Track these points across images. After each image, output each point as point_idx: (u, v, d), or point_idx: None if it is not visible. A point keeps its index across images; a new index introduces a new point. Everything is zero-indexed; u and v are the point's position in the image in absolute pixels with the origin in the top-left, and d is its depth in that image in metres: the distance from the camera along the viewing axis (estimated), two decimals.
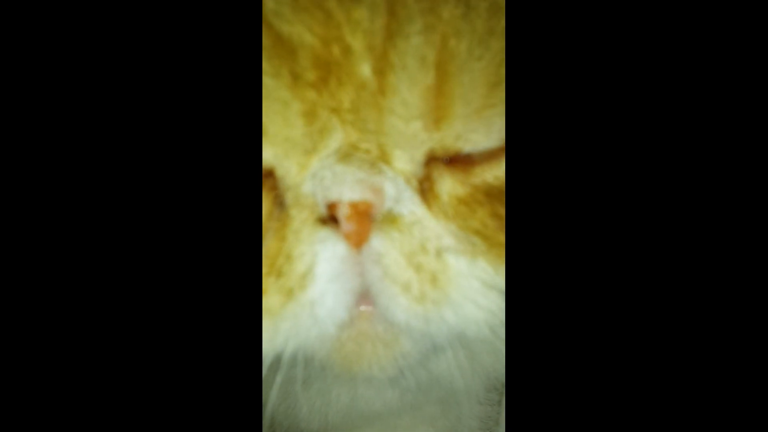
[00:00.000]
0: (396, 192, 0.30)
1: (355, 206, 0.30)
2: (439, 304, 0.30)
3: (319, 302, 0.30)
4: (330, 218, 0.30)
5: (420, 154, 0.31)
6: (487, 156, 0.31)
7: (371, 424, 0.47)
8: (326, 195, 0.30)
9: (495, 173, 0.32)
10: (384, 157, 0.31)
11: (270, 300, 0.30)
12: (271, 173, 0.31)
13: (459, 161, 0.32)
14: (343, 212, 0.30)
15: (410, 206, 0.31)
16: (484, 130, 0.31)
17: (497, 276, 0.31)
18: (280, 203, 0.31)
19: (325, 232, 0.30)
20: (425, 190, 0.31)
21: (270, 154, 0.30)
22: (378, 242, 0.30)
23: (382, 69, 0.29)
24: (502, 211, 0.31)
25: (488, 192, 0.31)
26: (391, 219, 0.30)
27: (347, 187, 0.30)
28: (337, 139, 0.30)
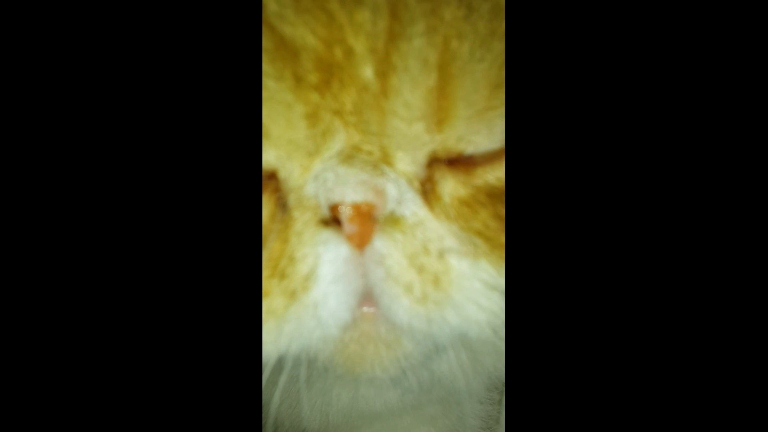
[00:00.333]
0: (398, 193, 0.30)
1: (357, 208, 0.30)
2: (441, 305, 0.30)
3: (322, 304, 0.30)
4: (332, 220, 0.30)
5: (422, 156, 0.31)
6: (489, 157, 0.32)
7: (371, 424, 0.47)
8: (329, 197, 0.30)
9: (497, 174, 0.32)
10: (386, 159, 0.31)
11: (274, 302, 0.30)
12: (273, 175, 0.31)
13: (461, 162, 0.32)
14: (345, 214, 0.30)
15: (412, 207, 0.31)
16: (486, 131, 0.31)
17: (499, 277, 0.31)
18: (282, 205, 0.31)
19: (328, 234, 0.30)
20: (427, 191, 0.31)
21: (273, 156, 0.30)
22: (380, 243, 0.30)
23: (384, 71, 0.29)
24: (504, 212, 0.31)
25: (490, 193, 0.31)
26: (393, 220, 0.30)
27: (350, 189, 0.30)
28: (339, 141, 0.30)
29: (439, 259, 0.30)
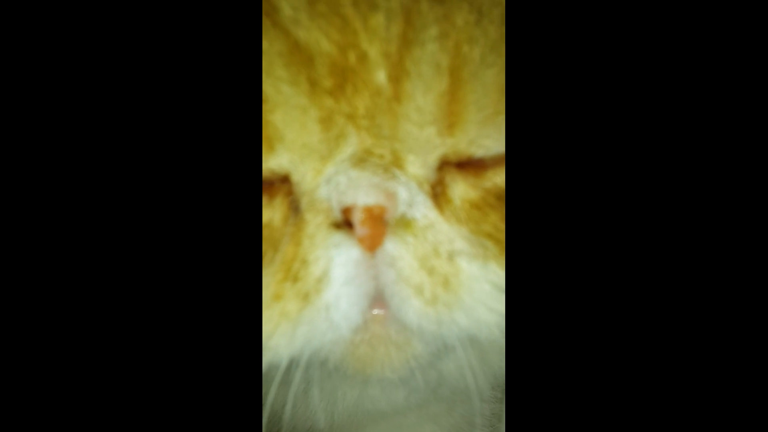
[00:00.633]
0: (409, 196, 0.31)
1: (369, 210, 0.30)
2: (451, 306, 0.31)
3: (334, 306, 0.30)
4: (344, 222, 0.31)
5: (433, 159, 0.32)
6: (499, 160, 0.32)
7: (377, 422, 0.47)
8: (341, 199, 0.30)
9: None
10: (397, 162, 0.31)
11: (287, 305, 0.30)
12: (287, 178, 0.31)
13: (471, 166, 0.32)
14: (357, 216, 0.30)
15: (423, 210, 0.31)
16: (496, 135, 0.31)
17: None
18: (295, 208, 0.31)
19: (340, 237, 0.30)
20: (438, 194, 0.32)
21: (286, 160, 0.31)
22: (391, 246, 0.31)
23: (397, 76, 0.29)
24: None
25: (500, 196, 0.32)
26: (404, 223, 0.31)
27: (361, 192, 0.30)
28: (352, 144, 0.30)
29: (449, 261, 0.31)
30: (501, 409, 0.55)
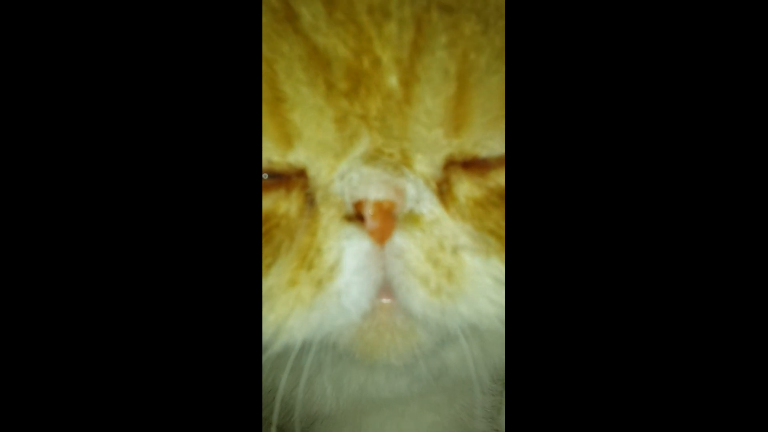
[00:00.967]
0: (417, 193, 0.32)
1: (379, 205, 0.31)
2: (454, 297, 0.32)
3: (345, 293, 0.32)
4: (356, 216, 0.32)
5: (439, 159, 0.33)
6: (503, 161, 0.33)
7: (380, 410, 0.49)
8: (353, 194, 0.32)
9: None
10: (406, 161, 0.32)
11: (302, 290, 0.32)
12: (303, 173, 0.33)
13: (476, 165, 0.33)
14: (368, 210, 0.31)
15: (429, 206, 0.32)
16: (500, 137, 0.32)
17: None
18: (310, 201, 0.33)
19: (352, 229, 0.32)
20: (443, 192, 0.33)
21: (303, 156, 0.32)
22: (400, 239, 0.32)
23: (408, 80, 0.30)
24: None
25: (503, 195, 0.33)
26: (412, 218, 0.32)
27: (373, 188, 0.31)
28: (364, 143, 0.32)
29: (453, 254, 0.32)
30: (501, 401, 0.56)
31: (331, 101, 0.31)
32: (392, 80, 0.31)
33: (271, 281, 0.32)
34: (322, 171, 0.32)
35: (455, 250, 0.32)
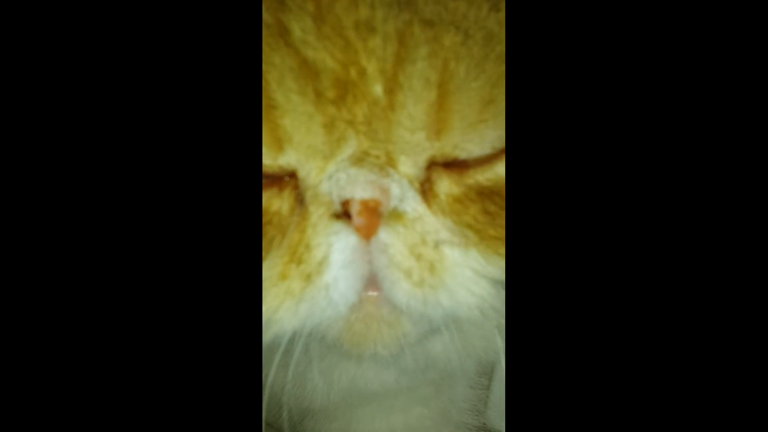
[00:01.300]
0: (400, 192, 0.33)
1: (365, 204, 0.33)
2: (435, 288, 0.33)
3: (333, 286, 0.33)
4: (343, 214, 0.33)
5: (422, 160, 0.34)
6: (480, 161, 0.35)
7: (369, 402, 0.50)
8: (341, 194, 0.33)
9: (486, 176, 0.35)
10: (391, 162, 0.34)
11: (292, 284, 0.33)
12: (294, 174, 0.34)
13: (455, 166, 0.35)
14: (355, 209, 0.33)
15: (412, 204, 0.34)
16: (478, 140, 0.34)
17: (488, 265, 0.34)
18: (300, 200, 0.34)
19: (339, 226, 0.33)
20: (425, 190, 0.34)
21: (294, 159, 0.33)
22: (384, 235, 0.33)
23: (392, 89, 0.32)
24: (492, 208, 0.34)
25: (480, 191, 0.34)
26: (396, 215, 0.33)
27: (359, 188, 0.33)
28: (351, 146, 0.33)
29: (435, 249, 0.33)
30: (487, 395, 0.58)
31: (320, 108, 0.32)
32: (377, 89, 0.32)
33: (262, 275, 0.34)
34: (312, 172, 0.34)
35: (436, 245, 0.34)
